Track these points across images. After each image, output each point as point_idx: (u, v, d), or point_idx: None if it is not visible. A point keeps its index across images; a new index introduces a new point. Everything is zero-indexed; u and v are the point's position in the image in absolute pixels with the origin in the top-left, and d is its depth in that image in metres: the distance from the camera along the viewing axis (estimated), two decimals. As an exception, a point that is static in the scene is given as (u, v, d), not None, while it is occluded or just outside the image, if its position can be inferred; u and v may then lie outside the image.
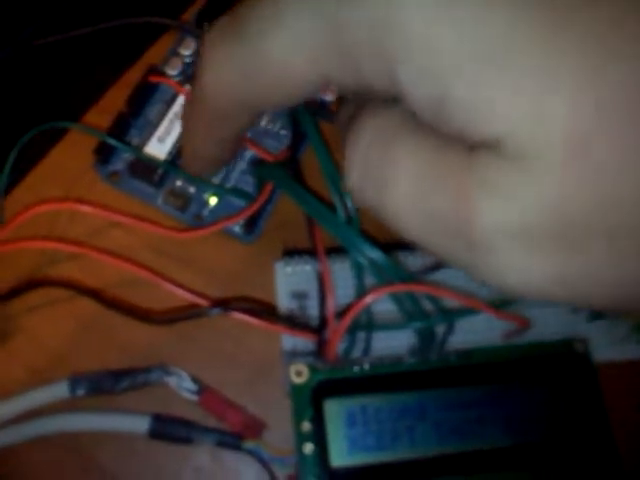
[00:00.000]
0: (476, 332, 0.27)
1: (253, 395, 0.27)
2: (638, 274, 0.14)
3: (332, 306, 0.25)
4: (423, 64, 0.15)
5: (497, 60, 0.14)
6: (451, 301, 0.25)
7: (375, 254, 0.24)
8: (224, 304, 0.25)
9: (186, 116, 0.25)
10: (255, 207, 0.27)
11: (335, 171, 0.25)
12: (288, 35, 0.17)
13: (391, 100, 0.17)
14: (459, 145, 0.16)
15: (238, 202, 0.29)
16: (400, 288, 0.24)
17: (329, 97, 0.31)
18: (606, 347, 0.27)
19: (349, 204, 0.25)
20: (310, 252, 0.27)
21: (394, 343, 0.26)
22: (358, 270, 0.25)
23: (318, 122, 0.29)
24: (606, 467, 0.24)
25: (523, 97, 0.14)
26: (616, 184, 0.13)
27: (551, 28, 0.13)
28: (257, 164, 0.27)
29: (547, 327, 0.27)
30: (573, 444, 0.24)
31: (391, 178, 0.17)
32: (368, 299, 0.24)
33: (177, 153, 0.29)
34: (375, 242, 0.25)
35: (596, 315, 0.27)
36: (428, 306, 0.25)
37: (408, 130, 0.17)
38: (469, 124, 0.15)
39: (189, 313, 0.25)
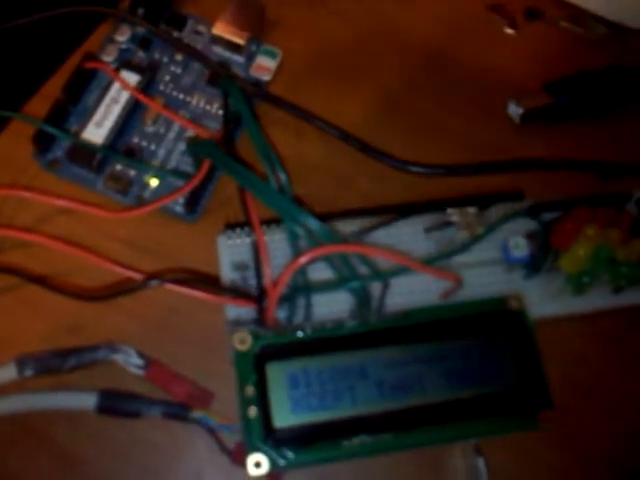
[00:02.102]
0: (414, 294, 0.27)
1: (202, 367, 0.27)
2: None
3: (269, 273, 0.25)
4: None
5: None
6: (385, 263, 0.26)
7: (308, 220, 0.25)
8: (161, 275, 0.26)
9: None
10: (193, 184, 0.27)
11: (266, 144, 0.26)
12: None
13: None
14: None
15: (181, 183, 0.29)
16: (333, 249, 0.25)
17: (265, 77, 0.32)
18: (543, 303, 0.28)
19: (281, 175, 0.25)
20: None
21: (335, 308, 0.27)
22: (293, 237, 0.25)
23: (251, 100, 0.30)
24: (541, 416, 0.25)
25: None
26: None
27: None
28: (190, 141, 0.27)
29: (485, 286, 0.28)
30: (510, 396, 0.25)
31: None
32: (302, 259, 0.24)
33: (116, 136, 0.29)
34: (309, 211, 0.25)
35: (532, 271, 0.28)
36: (364, 270, 0.26)
37: None
38: None
39: (127, 286, 0.26)
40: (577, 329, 0.29)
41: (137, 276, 0.26)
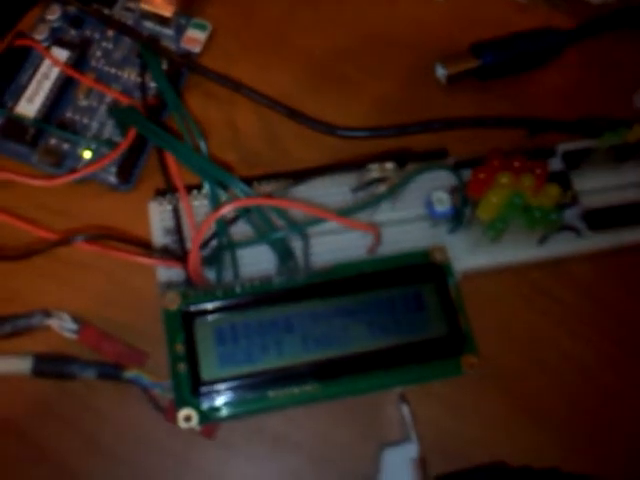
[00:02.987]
0: (342, 251, 0.28)
1: (138, 329, 0.28)
2: None
3: (195, 233, 0.26)
4: None
5: None
6: (306, 219, 0.27)
7: (228, 180, 0.26)
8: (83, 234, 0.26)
9: None
10: (119, 150, 0.28)
11: (182, 108, 0.27)
12: None
13: None
14: None
15: (114, 154, 0.30)
16: (249, 201, 0.25)
17: (196, 49, 0.33)
18: (468, 255, 0.29)
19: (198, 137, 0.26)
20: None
21: (262, 267, 0.28)
22: (214, 198, 0.26)
23: (181, 71, 0.31)
24: (465, 362, 0.26)
25: None
26: None
27: None
28: (113, 107, 0.28)
29: (411, 242, 0.28)
30: (434, 344, 0.26)
31: None
32: (220, 211, 0.25)
33: (48, 111, 0.30)
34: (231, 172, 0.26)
35: (456, 225, 0.29)
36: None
37: None
38: None
39: (46, 244, 0.26)
40: (505, 280, 0.30)
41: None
